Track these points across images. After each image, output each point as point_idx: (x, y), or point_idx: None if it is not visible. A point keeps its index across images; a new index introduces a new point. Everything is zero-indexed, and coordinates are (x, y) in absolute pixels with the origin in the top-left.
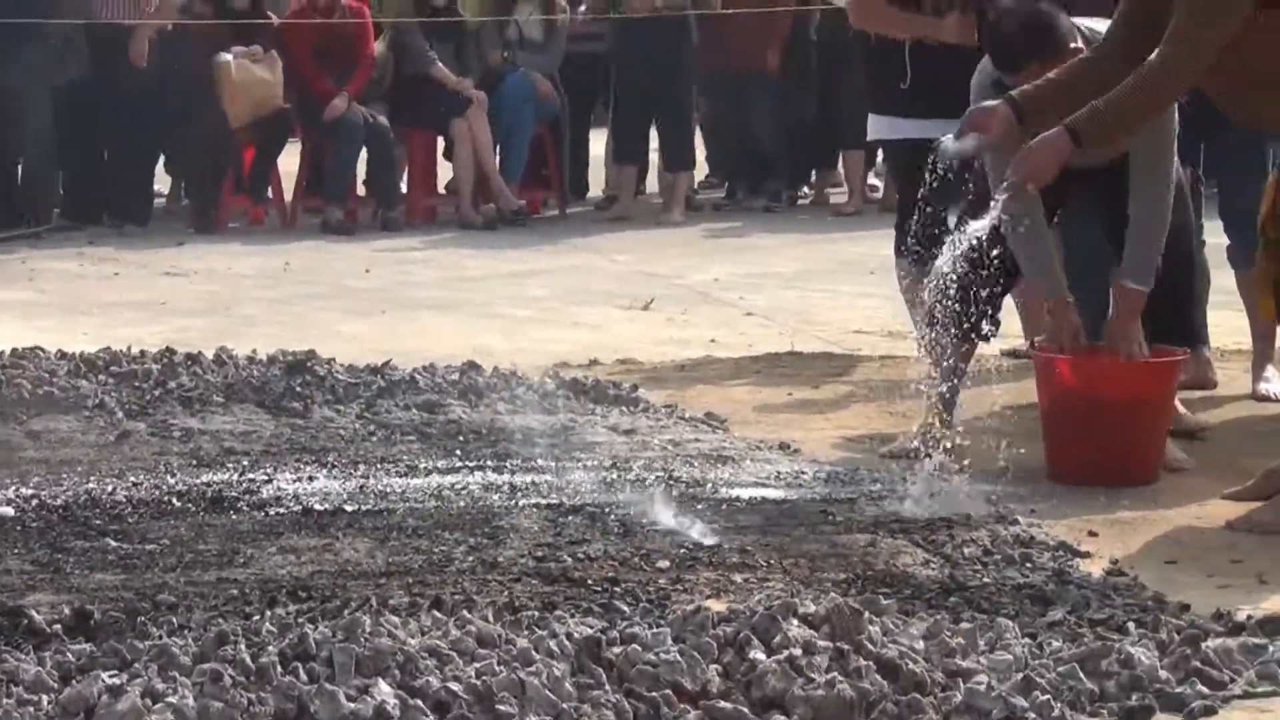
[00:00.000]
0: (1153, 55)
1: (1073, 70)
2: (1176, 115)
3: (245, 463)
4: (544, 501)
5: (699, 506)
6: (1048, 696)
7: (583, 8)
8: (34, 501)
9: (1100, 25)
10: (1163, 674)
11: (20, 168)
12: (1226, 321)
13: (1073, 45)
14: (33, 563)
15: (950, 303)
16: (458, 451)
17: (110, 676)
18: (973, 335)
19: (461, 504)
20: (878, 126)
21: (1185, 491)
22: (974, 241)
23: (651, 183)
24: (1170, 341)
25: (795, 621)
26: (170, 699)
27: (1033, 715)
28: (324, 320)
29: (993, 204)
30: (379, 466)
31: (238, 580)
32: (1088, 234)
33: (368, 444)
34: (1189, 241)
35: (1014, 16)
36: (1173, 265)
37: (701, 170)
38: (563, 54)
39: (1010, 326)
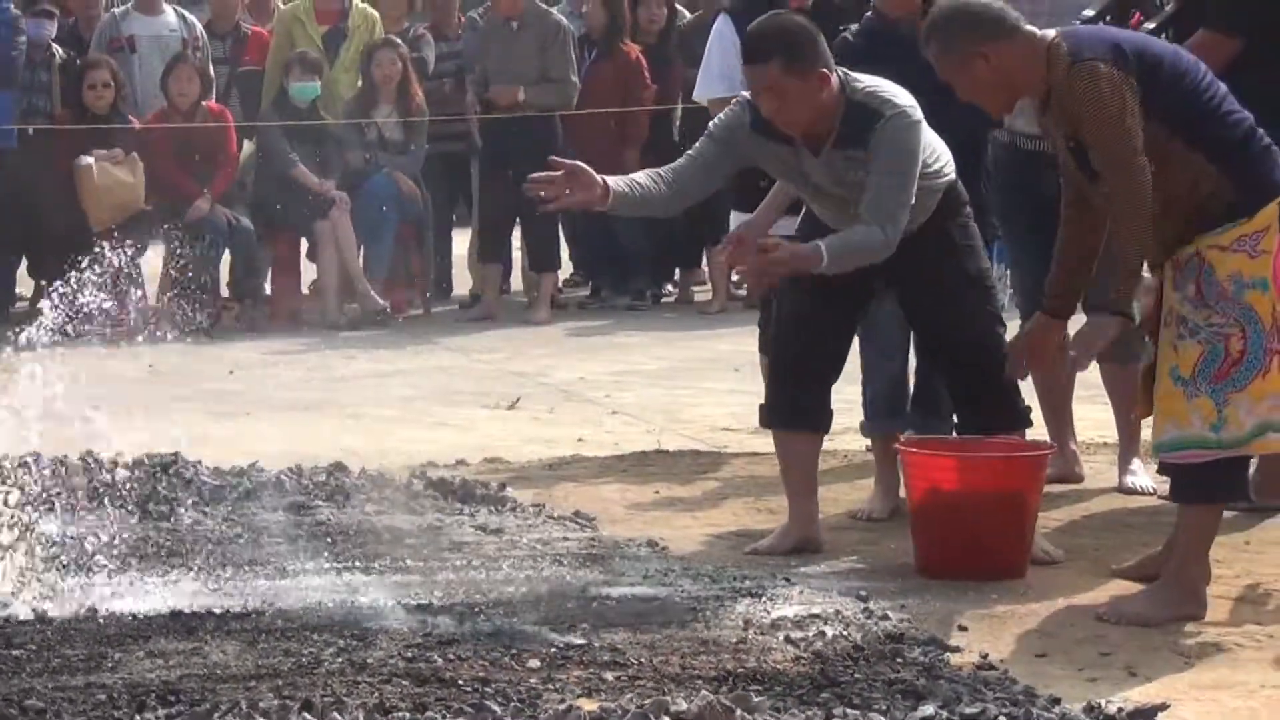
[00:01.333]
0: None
1: (1065, 254)
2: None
3: (112, 566)
4: (413, 602)
5: (568, 605)
6: None
7: (429, 107)
8: None
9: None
10: None
11: None
12: (1091, 415)
13: (821, 69)
14: None
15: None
16: (325, 553)
17: None
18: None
19: (330, 605)
20: (739, 222)
21: (1054, 585)
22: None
23: (516, 282)
24: (1001, 425)
25: None
26: None
27: None
28: (189, 422)
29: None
30: (247, 569)
31: (106, 685)
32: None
33: (235, 546)
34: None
35: (776, 17)
36: (995, 353)
37: (566, 269)
38: (424, 154)
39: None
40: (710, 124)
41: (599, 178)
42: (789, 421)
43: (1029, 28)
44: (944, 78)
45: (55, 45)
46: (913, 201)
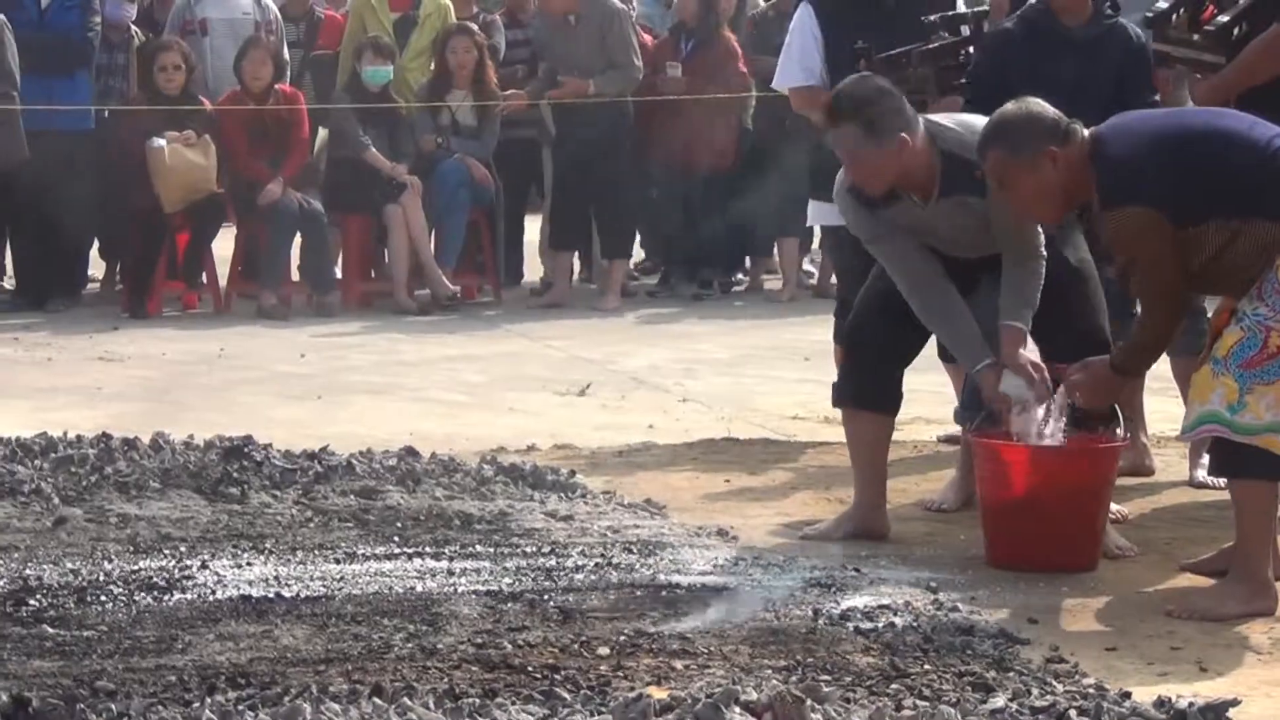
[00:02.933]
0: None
1: None
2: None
3: (182, 548)
4: (483, 588)
5: (638, 593)
6: None
7: (511, 92)
8: None
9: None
10: None
11: None
12: (1163, 408)
13: (901, 135)
14: None
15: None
16: (396, 537)
17: None
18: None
19: (400, 590)
20: (818, 212)
21: (1125, 578)
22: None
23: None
24: (1096, 420)
25: (738, 709)
26: None
27: None
28: (260, 406)
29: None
30: (317, 552)
31: (176, 667)
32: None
33: (305, 530)
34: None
35: (857, 80)
36: (1097, 346)
37: (637, 256)
38: (497, 139)
39: (948, 414)
40: (860, 236)
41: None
42: (859, 400)
43: (1081, 132)
44: (1001, 184)
45: (134, 27)
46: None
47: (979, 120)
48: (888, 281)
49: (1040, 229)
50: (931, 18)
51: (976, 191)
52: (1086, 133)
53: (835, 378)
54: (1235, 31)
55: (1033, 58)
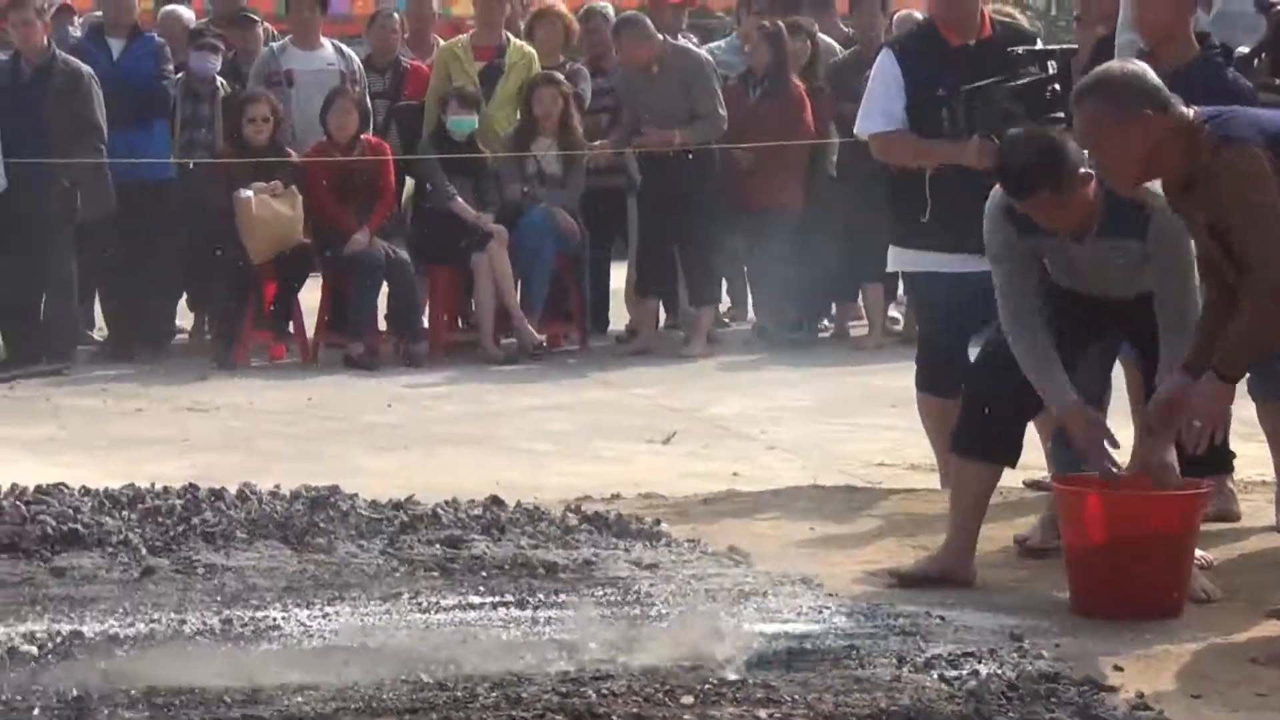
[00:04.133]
0: (1250, 284)
1: (1213, 322)
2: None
3: (268, 598)
4: (567, 636)
5: (722, 642)
6: None
7: (598, 142)
8: (58, 639)
9: None
10: None
11: (43, 305)
12: (1251, 453)
13: (1082, 171)
14: (58, 701)
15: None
16: (480, 587)
17: None
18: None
19: (485, 639)
20: (899, 259)
21: (1210, 624)
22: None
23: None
24: (1203, 470)
25: None
26: None
27: None
28: (346, 455)
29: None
30: (402, 602)
31: (262, 717)
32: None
33: (390, 579)
34: None
35: (1025, 144)
36: None
37: (724, 304)
38: (583, 188)
39: (1034, 458)
40: (988, 252)
41: (1085, 410)
42: (975, 450)
43: (1181, 108)
44: (1088, 134)
45: (220, 79)
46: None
47: None
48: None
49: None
50: (1018, 51)
51: (1137, 235)
52: (1190, 110)
53: (917, 422)
54: None
55: None
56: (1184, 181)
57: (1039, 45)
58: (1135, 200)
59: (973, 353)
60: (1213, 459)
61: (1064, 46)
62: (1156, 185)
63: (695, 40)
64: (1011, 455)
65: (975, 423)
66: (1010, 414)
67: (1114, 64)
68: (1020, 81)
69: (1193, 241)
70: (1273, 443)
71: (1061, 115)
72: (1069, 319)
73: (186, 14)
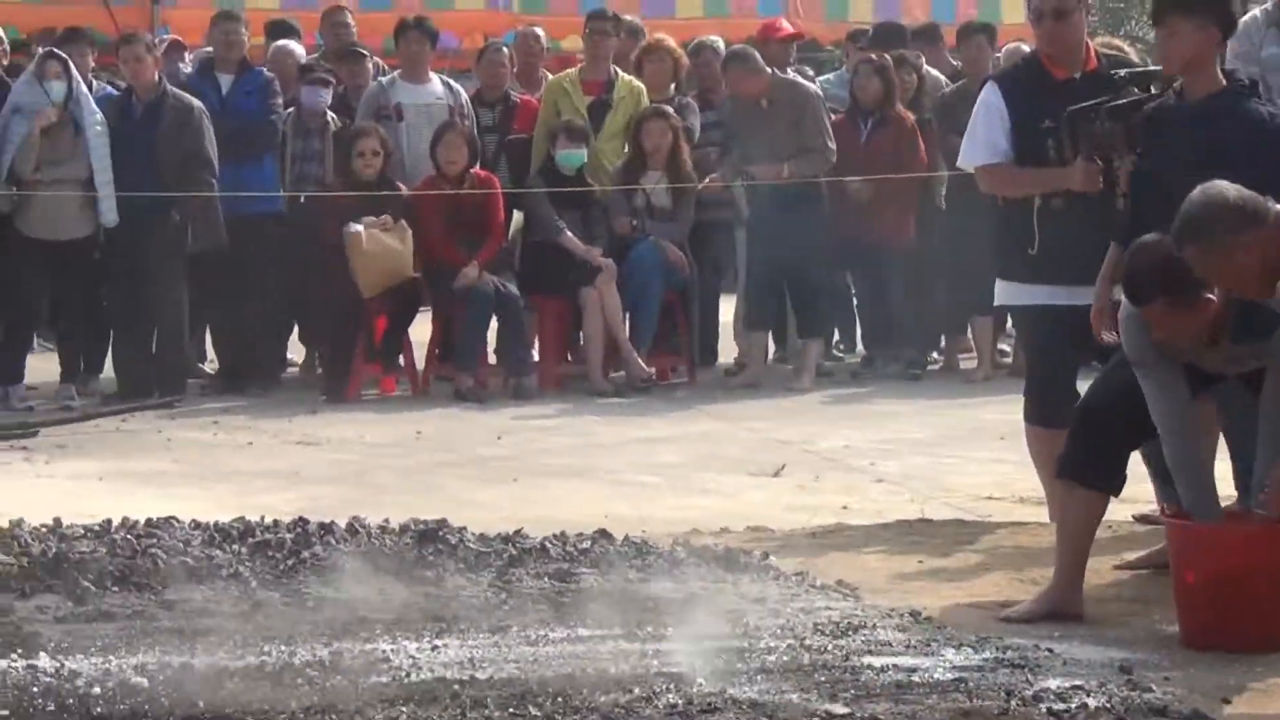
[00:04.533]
0: None
1: None
2: None
3: (378, 631)
4: (674, 669)
5: (830, 674)
6: None
7: (708, 176)
8: (169, 671)
9: None
10: None
11: (154, 339)
12: None
13: (1205, 295)
14: None
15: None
16: (589, 619)
17: None
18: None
19: (593, 672)
20: (1006, 292)
21: None
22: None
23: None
24: None
25: None
26: None
27: None
28: (455, 488)
29: None
30: (511, 634)
31: None
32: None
33: (499, 612)
34: None
35: (1150, 255)
36: None
37: (833, 337)
38: (691, 221)
39: (1143, 491)
40: (1130, 358)
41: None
42: (1083, 477)
43: (1272, 207)
44: (1201, 274)
45: (330, 114)
46: None
47: None
48: (1128, 374)
49: None
50: (1121, 73)
51: (1266, 335)
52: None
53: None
54: None
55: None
56: None
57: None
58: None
59: (1082, 386)
60: None
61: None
62: None
63: (810, 74)
64: (1117, 484)
65: (1082, 448)
66: (1119, 442)
67: (1194, 200)
68: (1121, 101)
69: None
70: None
71: None
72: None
73: (297, 49)
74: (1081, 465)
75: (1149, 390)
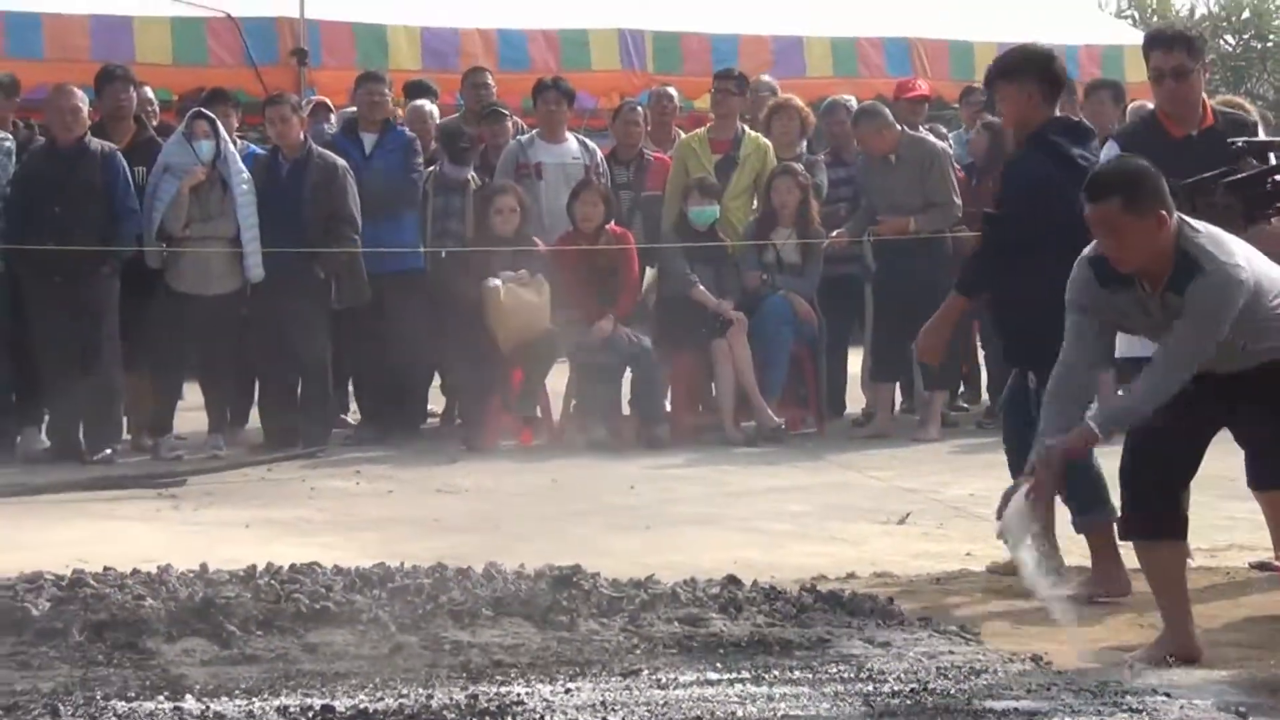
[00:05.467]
0: None
1: None
2: None
3: (513, 674)
4: (802, 713)
5: (953, 718)
6: None
7: (835, 231)
8: (310, 713)
9: None
10: None
11: (299, 390)
12: None
13: (1160, 210)
14: None
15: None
16: (718, 663)
17: None
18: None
19: (722, 715)
20: (1124, 345)
21: None
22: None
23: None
24: None
25: None
26: None
27: None
28: (589, 535)
29: None
30: (642, 678)
31: None
32: None
33: (631, 656)
34: None
35: (1120, 159)
36: None
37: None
38: (820, 276)
39: (1262, 540)
40: (1067, 297)
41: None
42: (1151, 532)
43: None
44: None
45: (472, 173)
46: (1210, 355)
47: (1230, 239)
48: (1159, 418)
49: None
50: (1238, 142)
51: (1179, 290)
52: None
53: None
54: None
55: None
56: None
57: (1260, 136)
58: (1193, 260)
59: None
60: None
61: None
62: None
63: (943, 131)
64: (1183, 528)
65: (1141, 504)
66: (1167, 488)
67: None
68: (1239, 175)
69: None
70: None
71: None
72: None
73: (430, 108)
74: (1143, 522)
75: (1072, 330)
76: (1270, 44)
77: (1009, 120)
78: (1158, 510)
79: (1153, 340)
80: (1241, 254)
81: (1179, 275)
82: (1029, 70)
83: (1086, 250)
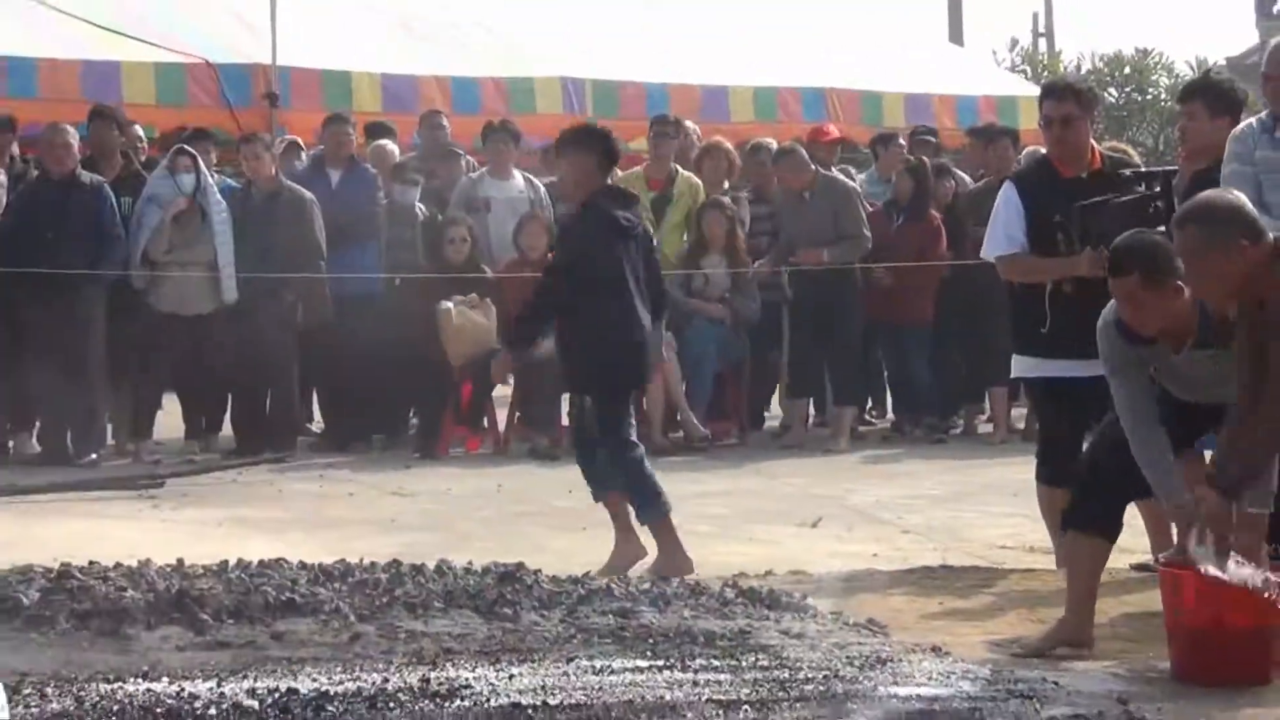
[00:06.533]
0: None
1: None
2: None
3: (462, 661)
4: (723, 697)
5: (861, 703)
6: None
7: (758, 261)
8: (276, 695)
9: None
10: None
11: (268, 402)
12: None
13: (1176, 281)
14: None
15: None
16: (648, 652)
17: None
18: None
19: (650, 699)
20: (1021, 366)
21: None
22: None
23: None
24: None
25: None
26: None
27: None
28: (532, 536)
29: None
30: (579, 665)
31: None
32: None
33: (569, 645)
34: None
35: (1134, 235)
36: None
37: (866, 404)
38: (758, 301)
39: (1142, 543)
40: (1104, 364)
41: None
42: (1089, 526)
43: (1270, 235)
44: (1186, 255)
45: (420, 206)
46: None
47: None
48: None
49: None
50: (1127, 171)
51: (1227, 344)
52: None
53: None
54: None
55: None
56: (1260, 301)
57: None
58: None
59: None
60: None
61: (1165, 168)
62: None
63: (851, 172)
64: (1116, 532)
65: (1086, 501)
66: (1118, 494)
67: (1216, 192)
68: (1126, 198)
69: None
70: None
71: (1163, 229)
72: (1179, 419)
73: (392, 148)
74: (1086, 516)
75: (1119, 394)
76: (1149, 96)
77: (566, 186)
78: (1101, 509)
79: (1197, 398)
80: None
81: (1209, 331)
82: (593, 145)
83: (1107, 318)
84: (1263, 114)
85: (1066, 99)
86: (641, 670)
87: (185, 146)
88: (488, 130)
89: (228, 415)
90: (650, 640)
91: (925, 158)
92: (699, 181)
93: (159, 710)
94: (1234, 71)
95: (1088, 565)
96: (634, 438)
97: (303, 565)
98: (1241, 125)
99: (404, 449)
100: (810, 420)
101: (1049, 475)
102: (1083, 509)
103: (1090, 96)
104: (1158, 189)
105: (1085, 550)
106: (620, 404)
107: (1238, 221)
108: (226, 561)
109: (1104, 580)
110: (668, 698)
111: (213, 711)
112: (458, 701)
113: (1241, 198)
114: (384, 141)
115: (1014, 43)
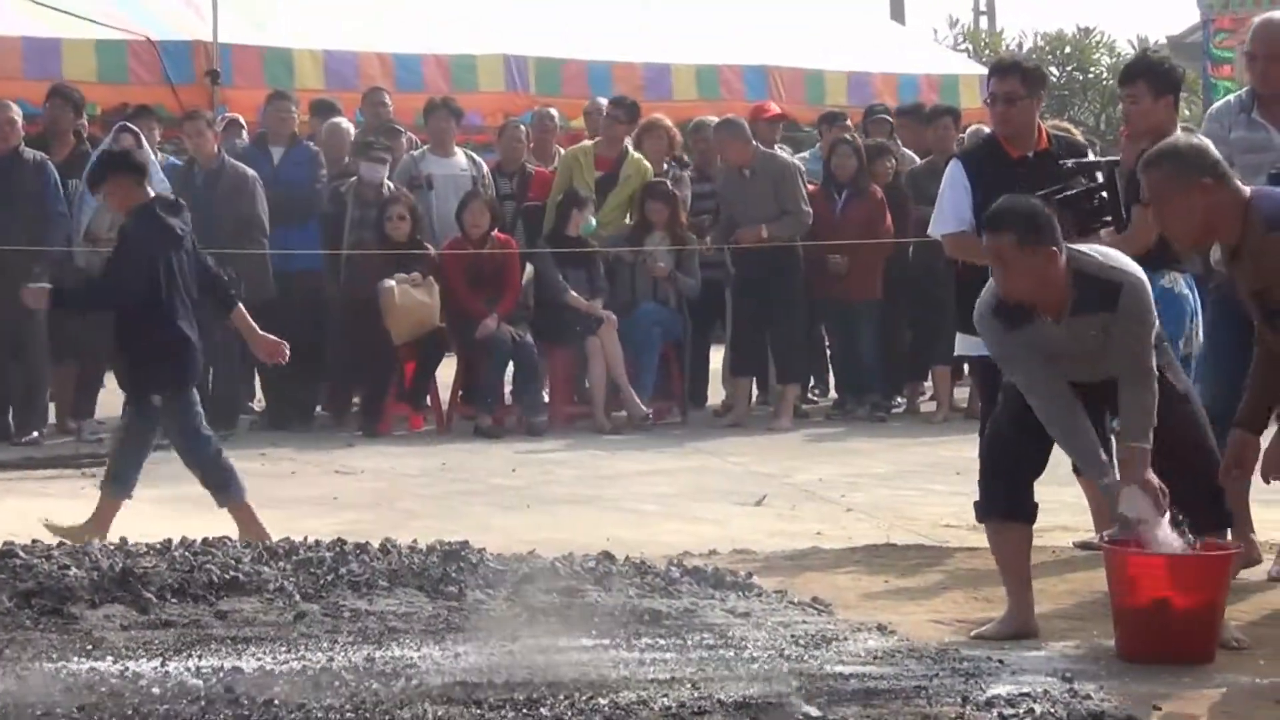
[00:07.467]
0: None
1: (1264, 376)
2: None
3: (406, 640)
4: (669, 675)
5: (807, 681)
6: None
7: (707, 240)
8: (221, 673)
9: None
10: None
11: (210, 380)
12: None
13: (1052, 246)
14: None
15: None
16: (593, 631)
17: None
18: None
19: (595, 677)
20: (964, 344)
21: (1240, 669)
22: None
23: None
24: (1208, 526)
25: None
26: None
27: None
28: (476, 514)
29: None
30: (524, 644)
31: None
32: None
33: (514, 624)
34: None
35: (1019, 199)
36: (1199, 460)
37: (809, 382)
38: (699, 279)
39: (1085, 521)
40: (992, 354)
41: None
42: (1004, 514)
43: (1237, 182)
44: (1154, 196)
45: (388, 183)
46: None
47: (1115, 252)
48: (1018, 402)
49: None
50: (1068, 163)
51: (1108, 308)
52: (1246, 189)
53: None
54: None
55: None
56: (1233, 250)
57: (1089, 157)
58: (1105, 280)
59: None
60: (1220, 516)
61: (1108, 159)
62: None
63: (789, 151)
64: (1032, 513)
65: (996, 488)
66: (1023, 473)
67: (1180, 136)
68: (1069, 191)
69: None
70: None
71: (1109, 219)
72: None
73: (347, 125)
74: (998, 504)
75: (1018, 380)
76: (1091, 75)
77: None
78: (1010, 495)
79: (1085, 377)
80: (1134, 265)
81: (1085, 298)
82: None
83: (982, 310)
84: (1241, 92)
85: (1011, 76)
86: (587, 649)
87: (128, 124)
88: (429, 107)
89: None
90: (596, 619)
91: (881, 138)
92: (649, 166)
93: (103, 689)
94: (1174, 50)
95: (1013, 553)
96: (206, 429)
97: (246, 544)
98: (1219, 104)
99: (346, 427)
100: (753, 399)
101: None
102: (990, 499)
103: (1037, 75)
104: (1100, 180)
105: (1005, 539)
106: (189, 398)
107: (1201, 161)
108: (170, 540)
109: (1048, 559)
110: (613, 677)
111: (157, 690)
112: (402, 680)
113: (1206, 141)
114: (339, 120)
115: (954, 20)
